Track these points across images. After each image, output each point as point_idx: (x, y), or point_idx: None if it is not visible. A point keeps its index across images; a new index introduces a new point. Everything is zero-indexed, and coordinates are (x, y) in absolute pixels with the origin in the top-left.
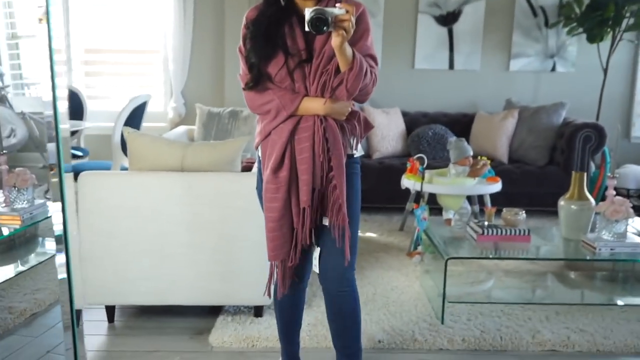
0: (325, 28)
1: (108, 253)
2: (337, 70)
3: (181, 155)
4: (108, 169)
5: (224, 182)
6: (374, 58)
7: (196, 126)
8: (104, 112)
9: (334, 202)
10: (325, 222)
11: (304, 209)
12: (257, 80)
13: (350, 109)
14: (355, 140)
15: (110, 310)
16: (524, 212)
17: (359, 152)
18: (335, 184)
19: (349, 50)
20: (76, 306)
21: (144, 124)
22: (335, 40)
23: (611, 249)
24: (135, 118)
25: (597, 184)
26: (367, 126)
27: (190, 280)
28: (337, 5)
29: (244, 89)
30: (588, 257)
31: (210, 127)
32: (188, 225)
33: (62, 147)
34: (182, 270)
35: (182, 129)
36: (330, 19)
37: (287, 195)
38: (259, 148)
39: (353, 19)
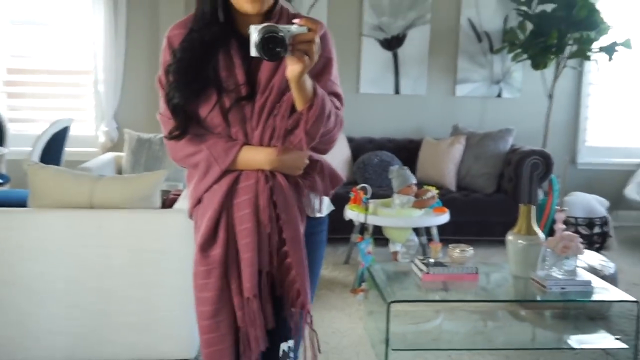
0: (280, 51)
1: (7, 302)
2: (292, 109)
3: (89, 191)
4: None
5: (139, 221)
6: (339, 97)
7: (125, 153)
8: (29, 136)
9: (288, 286)
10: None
11: (248, 298)
12: (185, 127)
13: (307, 161)
14: (318, 200)
15: None
16: (471, 248)
17: (325, 210)
18: (290, 262)
19: (308, 82)
20: None
21: (72, 149)
22: (292, 69)
23: (562, 288)
24: (56, 143)
25: (545, 212)
26: (335, 180)
27: (103, 333)
28: (295, 21)
29: (165, 137)
30: (538, 298)
31: (140, 154)
32: (98, 269)
33: None
34: (92, 322)
35: (109, 155)
36: (287, 39)
37: (222, 282)
38: (193, 217)
39: (318, 40)
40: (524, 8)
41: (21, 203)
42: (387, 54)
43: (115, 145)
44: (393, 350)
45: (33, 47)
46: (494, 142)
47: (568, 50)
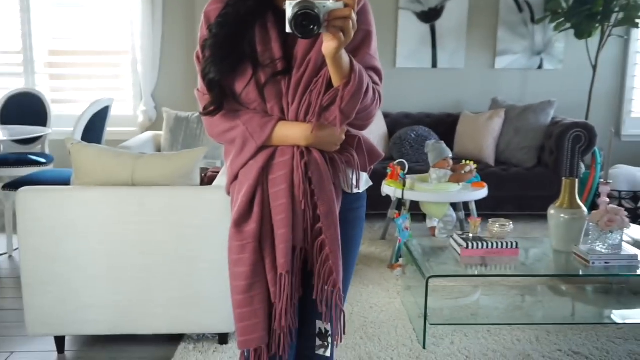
0: (314, 29)
1: (53, 278)
2: (328, 85)
3: (131, 169)
4: (69, 176)
5: (179, 198)
6: (378, 72)
7: (163, 132)
8: (71, 117)
9: (321, 264)
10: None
11: (281, 275)
12: (220, 103)
13: (343, 137)
14: (355, 175)
15: (59, 341)
16: (511, 223)
17: (363, 186)
18: (324, 238)
19: (345, 58)
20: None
21: (112, 129)
22: (328, 46)
23: (605, 262)
24: (97, 123)
25: (588, 186)
26: (373, 155)
27: (146, 307)
28: None
29: (201, 114)
30: (581, 272)
31: (178, 132)
32: (141, 246)
33: None
34: (136, 296)
35: (148, 134)
36: (322, 16)
37: (256, 257)
38: (231, 193)
39: (354, 16)
40: None
41: (65, 182)
42: (425, 27)
43: (154, 124)
44: (431, 324)
45: (73, 29)
46: (535, 114)
47: (614, 17)
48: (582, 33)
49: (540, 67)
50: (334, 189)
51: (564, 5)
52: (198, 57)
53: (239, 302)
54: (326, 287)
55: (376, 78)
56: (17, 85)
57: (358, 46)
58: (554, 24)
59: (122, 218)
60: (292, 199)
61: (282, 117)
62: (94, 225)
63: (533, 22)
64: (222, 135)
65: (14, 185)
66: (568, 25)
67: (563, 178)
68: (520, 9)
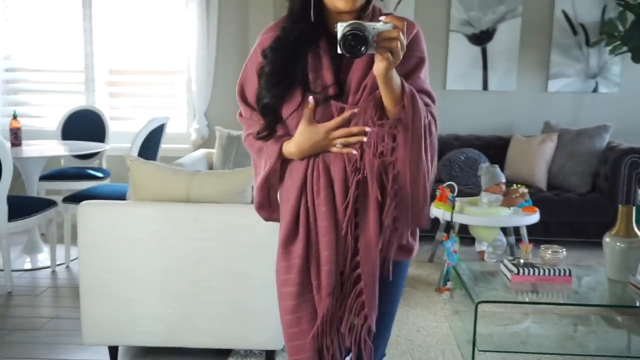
0: (362, 49)
1: (109, 290)
2: (380, 107)
3: (186, 185)
4: (125, 191)
5: (232, 215)
6: (429, 94)
7: (215, 150)
8: (128, 133)
9: (354, 297)
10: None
11: (327, 294)
12: (273, 128)
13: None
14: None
15: (113, 351)
16: (564, 249)
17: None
18: (360, 272)
19: (397, 80)
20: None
21: (165, 146)
22: (377, 66)
23: None
24: (153, 140)
25: None
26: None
27: (197, 321)
28: (382, 19)
29: (250, 137)
30: (638, 303)
31: (230, 151)
32: (194, 261)
33: None
34: (188, 310)
35: (201, 152)
36: (370, 37)
37: (303, 277)
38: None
39: (403, 38)
40: None
41: (121, 196)
42: (476, 49)
43: (206, 142)
44: (480, 351)
45: (131, 49)
46: (589, 139)
47: None
48: (639, 57)
49: (595, 90)
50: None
51: (621, 28)
52: (241, 86)
53: (288, 322)
54: (356, 321)
55: (428, 100)
56: (78, 102)
57: (411, 71)
58: (609, 47)
59: (176, 233)
60: (335, 223)
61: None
62: (149, 240)
63: (588, 45)
64: (255, 155)
65: (74, 198)
66: (625, 48)
67: (620, 205)
68: (574, 32)
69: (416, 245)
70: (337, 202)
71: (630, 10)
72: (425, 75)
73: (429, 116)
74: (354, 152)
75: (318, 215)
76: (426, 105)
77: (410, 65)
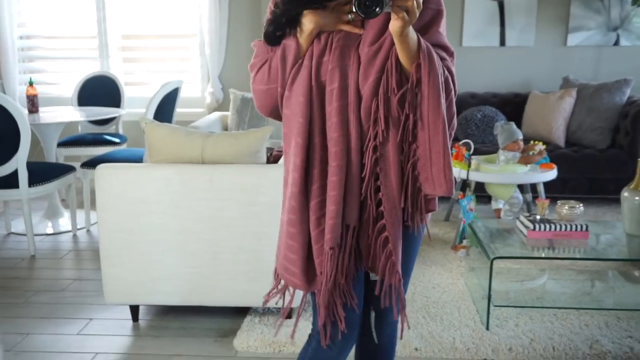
0: (377, 9)
1: (128, 250)
2: (397, 62)
3: (201, 147)
4: (142, 155)
5: (247, 175)
6: (447, 49)
7: (230, 112)
8: (143, 98)
9: (382, 251)
10: (374, 277)
11: (330, 249)
12: (282, 32)
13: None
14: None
15: (134, 309)
16: (581, 205)
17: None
18: (387, 235)
19: (413, 37)
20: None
21: (180, 110)
22: (393, 24)
23: None
24: (167, 104)
25: None
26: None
27: (215, 280)
28: None
29: (260, 38)
30: None
31: (244, 113)
32: (210, 221)
33: None
34: (205, 270)
35: (215, 115)
36: None
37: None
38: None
39: None
40: None
41: (138, 160)
42: (492, 5)
43: (221, 105)
44: (495, 306)
45: (144, 14)
46: (609, 93)
47: None
48: None
49: (616, 43)
50: (401, 186)
51: None
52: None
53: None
54: (389, 282)
55: (444, 54)
56: (93, 68)
57: (428, 24)
58: None
59: (192, 194)
60: (350, 178)
61: (344, 81)
62: (166, 201)
63: None
64: (260, 75)
65: (91, 163)
66: None
67: (638, 160)
68: None
69: (436, 208)
70: (353, 159)
71: None
72: (443, 29)
73: (446, 72)
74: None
75: (331, 168)
76: (442, 59)
77: (426, 19)
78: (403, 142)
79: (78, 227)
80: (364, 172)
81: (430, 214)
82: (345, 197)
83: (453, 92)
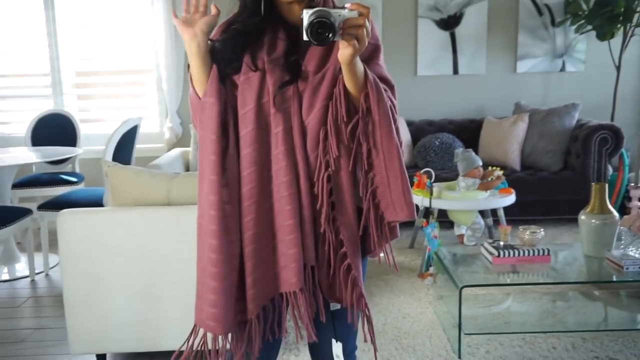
0: (329, 36)
1: (93, 297)
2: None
3: (166, 188)
4: (101, 195)
5: None
6: (388, 82)
7: (191, 148)
8: (99, 135)
9: (350, 288)
10: (335, 307)
11: (295, 292)
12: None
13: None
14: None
15: (100, 357)
16: (542, 230)
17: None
18: (350, 262)
19: (360, 66)
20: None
21: (139, 146)
22: (343, 52)
23: None
24: (127, 142)
25: (616, 188)
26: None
27: (185, 324)
28: (347, 6)
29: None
30: (615, 278)
31: None
32: (178, 264)
33: None
34: (174, 314)
35: (176, 151)
36: (337, 24)
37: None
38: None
39: (368, 25)
40: None
41: (97, 201)
42: (444, 35)
43: (180, 140)
44: (466, 334)
45: (99, 50)
46: (559, 118)
47: (636, 18)
48: (604, 35)
49: (562, 69)
50: (355, 212)
51: (584, 7)
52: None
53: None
54: (356, 309)
55: (385, 86)
56: (46, 106)
57: (368, 57)
58: (574, 26)
59: (159, 237)
60: (301, 219)
61: (288, 122)
62: (131, 245)
63: (553, 25)
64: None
65: (49, 205)
66: (589, 27)
67: (593, 183)
68: (540, 12)
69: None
70: (303, 198)
71: None
72: (382, 62)
73: (390, 102)
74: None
75: (283, 214)
76: (385, 90)
77: (366, 53)
78: (359, 171)
79: (36, 271)
80: (319, 204)
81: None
82: (302, 238)
83: (397, 121)
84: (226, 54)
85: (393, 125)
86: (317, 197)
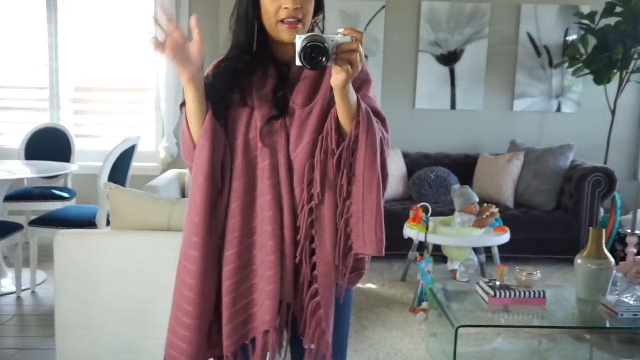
0: (323, 60)
1: (87, 322)
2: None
3: (168, 214)
4: (94, 214)
5: None
6: (379, 115)
7: (187, 170)
8: (94, 152)
9: (315, 326)
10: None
11: (267, 332)
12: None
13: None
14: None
15: None
16: (538, 272)
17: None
18: (319, 300)
19: (353, 94)
20: None
21: (135, 164)
22: (336, 78)
23: (634, 315)
24: (124, 161)
25: (608, 231)
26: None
27: None
28: (340, 31)
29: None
30: (608, 324)
31: None
32: None
33: None
34: None
35: (172, 173)
36: (330, 49)
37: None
38: None
39: (362, 50)
40: (587, 22)
41: (90, 219)
42: (444, 70)
43: (175, 161)
44: None
45: (99, 66)
46: (554, 158)
47: (633, 64)
48: (601, 79)
49: (558, 110)
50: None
51: (583, 51)
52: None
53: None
54: (318, 349)
55: (376, 118)
56: (42, 120)
57: (357, 89)
58: (572, 69)
59: (157, 263)
60: (283, 255)
61: (275, 158)
62: (129, 270)
63: (551, 67)
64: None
65: (41, 221)
66: (587, 71)
67: (590, 228)
68: (538, 53)
69: (366, 269)
70: (286, 233)
71: (593, 34)
72: (373, 94)
73: (381, 134)
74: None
75: (264, 250)
76: (380, 121)
77: (356, 86)
78: (337, 198)
79: (23, 287)
80: (299, 236)
81: (361, 277)
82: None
83: (386, 153)
84: (217, 91)
85: (378, 157)
86: (299, 230)
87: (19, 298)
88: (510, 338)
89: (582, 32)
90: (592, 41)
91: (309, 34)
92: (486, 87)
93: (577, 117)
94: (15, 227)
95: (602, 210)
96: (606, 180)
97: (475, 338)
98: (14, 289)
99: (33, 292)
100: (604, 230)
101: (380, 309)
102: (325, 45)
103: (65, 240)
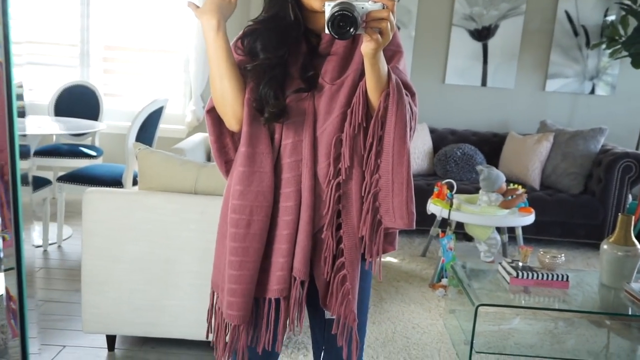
0: (351, 30)
1: (111, 279)
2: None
3: (195, 177)
4: (121, 173)
5: None
6: (409, 88)
7: None
8: (121, 111)
9: (341, 300)
10: (329, 315)
11: (278, 299)
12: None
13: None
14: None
15: (110, 338)
16: (562, 255)
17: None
18: (346, 274)
19: (384, 64)
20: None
21: (161, 126)
22: (366, 46)
23: None
24: (151, 122)
25: (636, 218)
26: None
27: (198, 314)
28: None
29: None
30: (631, 312)
31: None
32: (199, 253)
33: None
34: (189, 303)
35: (199, 137)
36: (359, 17)
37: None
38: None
39: (393, 18)
40: (628, 2)
41: (117, 178)
42: (477, 45)
43: (201, 124)
44: (477, 352)
45: (130, 25)
46: (585, 141)
47: None
48: (639, 62)
49: (592, 92)
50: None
51: (622, 32)
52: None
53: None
54: (345, 322)
55: (406, 91)
56: (72, 77)
57: (388, 61)
58: (610, 51)
59: (182, 225)
60: (298, 232)
61: (299, 135)
62: (155, 230)
63: (588, 47)
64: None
65: (69, 178)
66: (625, 53)
67: (620, 214)
68: (575, 33)
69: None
70: (303, 213)
71: (634, 15)
72: (403, 67)
73: (409, 107)
74: None
75: (285, 223)
76: (409, 94)
77: (386, 56)
78: (364, 172)
79: (50, 242)
80: (326, 209)
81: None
82: (295, 249)
83: (414, 128)
84: (271, 40)
85: (408, 131)
86: (324, 203)
87: (45, 251)
88: (528, 319)
89: (623, 13)
90: (633, 22)
91: (339, 1)
92: (519, 65)
93: (611, 100)
94: (44, 182)
95: (629, 197)
96: (637, 166)
97: (493, 317)
98: (41, 242)
99: (59, 246)
100: (632, 217)
101: (400, 283)
102: (354, 14)
103: (94, 197)
